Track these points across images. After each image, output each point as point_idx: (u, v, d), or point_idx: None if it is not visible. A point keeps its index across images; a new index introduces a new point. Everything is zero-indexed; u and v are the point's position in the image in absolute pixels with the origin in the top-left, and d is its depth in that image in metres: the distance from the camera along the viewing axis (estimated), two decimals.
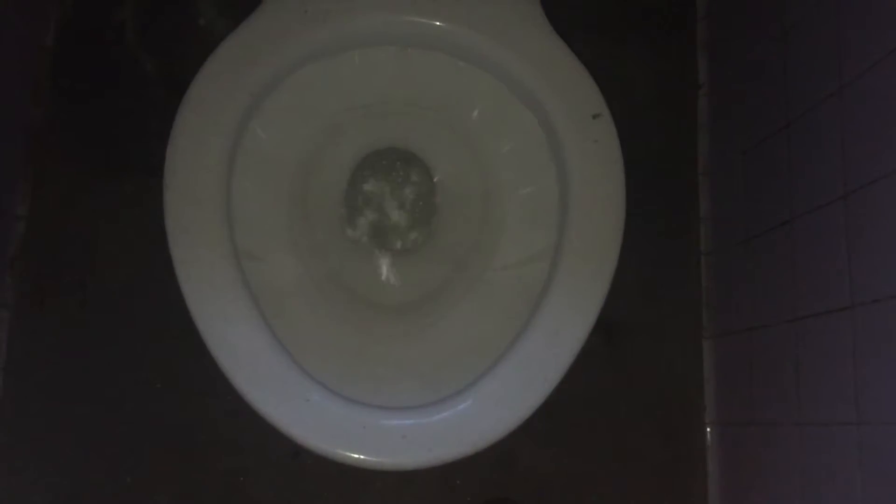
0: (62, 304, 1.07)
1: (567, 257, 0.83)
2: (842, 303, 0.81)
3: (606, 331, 1.11)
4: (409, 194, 1.02)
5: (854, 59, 0.81)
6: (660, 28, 1.21)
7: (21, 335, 1.06)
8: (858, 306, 0.78)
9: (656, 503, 1.09)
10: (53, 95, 1.13)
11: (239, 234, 0.84)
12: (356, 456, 0.77)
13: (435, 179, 1.02)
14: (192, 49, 1.11)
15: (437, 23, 0.88)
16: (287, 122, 0.95)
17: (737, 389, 1.05)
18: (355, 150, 1.01)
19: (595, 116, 0.85)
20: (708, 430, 1.11)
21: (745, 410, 1.02)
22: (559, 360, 0.80)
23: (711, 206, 1.16)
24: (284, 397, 0.77)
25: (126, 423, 1.05)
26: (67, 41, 1.15)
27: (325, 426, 0.77)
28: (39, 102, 1.12)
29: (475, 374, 0.82)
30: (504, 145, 0.99)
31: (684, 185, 1.17)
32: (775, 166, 0.97)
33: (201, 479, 1.05)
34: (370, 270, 1.00)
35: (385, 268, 1.01)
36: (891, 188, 0.74)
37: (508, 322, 0.87)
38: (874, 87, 0.77)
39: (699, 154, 1.18)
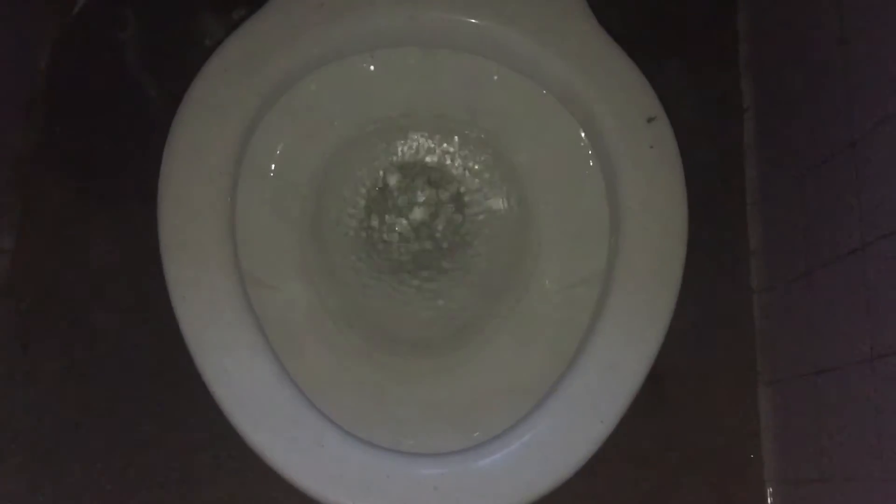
0: (49, 346, 1.04)
1: (621, 280, 0.78)
2: None
3: (650, 377, 1.03)
4: (435, 216, 0.99)
5: None
6: (699, 50, 1.18)
7: (4, 380, 1.02)
8: None
9: None
10: (47, 119, 1.11)
11: (244, 258, 0.80)
12: None
13: (465, 199, 0.99)
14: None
15: (472, 20, 0.84)
16: (299, 132, 0.92)
17: (801, 441, 0.98)
18: (375, 167, 0.98)
19: (650, 120, 0.81)
20: (769, 489, 1.04)
21: (813, 465, 0.95)
22: (616, 397, 0.75)
23: (763, 238, 1.11)
24: (294, 441, 0.72)
25: (117, 481, 1.00)
26: (63, 61, 1.13)
27: (342, 475, 0.71)
28: (31, 126, 1.10)
29: (515, 417, 0.76)
30: (544, 159, 0.95)
31: (731, 217, 1.12)
32: (840, 189, 0.92)
33: None
34: (392, 301, 0.96)
35: (409, 298, 0.97)
36: None
37: (551, 357, 0.82)
38: None
39: (747, 182, 1.13)
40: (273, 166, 0.91)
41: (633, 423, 0.98)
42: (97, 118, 1.11)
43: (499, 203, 0.98)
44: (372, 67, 0.92)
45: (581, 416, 0.74)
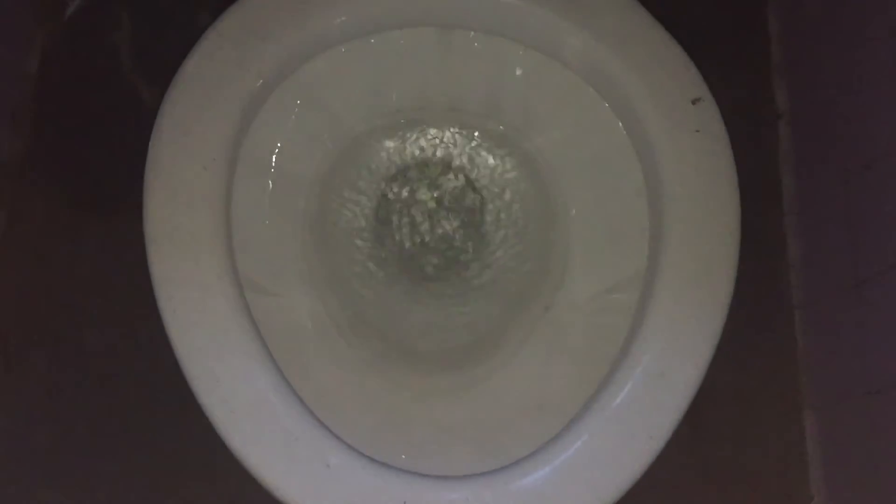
0: (32, 365, 1.01)
1: (667, 281, 0.72)
2: None
3: None
4: (452, 217, 0.97)
5: None
6: (728, 54, 1.16)
7: None
8: None
9: None
10: (35, 125, 1.10)
11: (242, 260, 0.75)
12: None
13: (485, 198, 0.97)
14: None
15: None
16: (303, 123, 0.89)
17: (854, 470, 0.95)
18: (386, 163, 0.96)
19: (695, 101, 0.76)
20: None
21: (868, 497, 0.92)
22: (667, 409, 0.68)
23: (804, 251, 1.08)
24: (295, 460, 0.65)
25: None
26: (54, 66, 1.12)
27: (351, 500, 0.64)
28: (19, 133, 1.08)
29: (546, 436, 0.70)
30: (574, 151, 0.91)
31: (768, 228, 1.10)
32: (890, 193, 0.89)
33: None
34: (405, 311, 0.93)
35: (424, 308, 0.94)
36: None
37: (584, 371, 0.77)
38: None
39: (783, 191, 1.11)
40: (274, 159, 0.88)
41: (667, 453, 0.94)
42: (88, 125, 1.10)
43: (523, 202, 0.95)
44: (384, 51, 0.89)
45: (627, 431, 0.68)
